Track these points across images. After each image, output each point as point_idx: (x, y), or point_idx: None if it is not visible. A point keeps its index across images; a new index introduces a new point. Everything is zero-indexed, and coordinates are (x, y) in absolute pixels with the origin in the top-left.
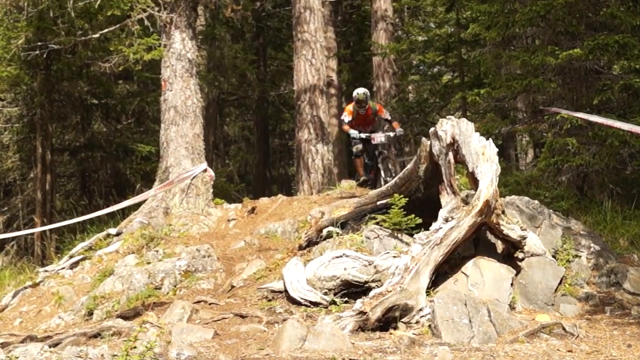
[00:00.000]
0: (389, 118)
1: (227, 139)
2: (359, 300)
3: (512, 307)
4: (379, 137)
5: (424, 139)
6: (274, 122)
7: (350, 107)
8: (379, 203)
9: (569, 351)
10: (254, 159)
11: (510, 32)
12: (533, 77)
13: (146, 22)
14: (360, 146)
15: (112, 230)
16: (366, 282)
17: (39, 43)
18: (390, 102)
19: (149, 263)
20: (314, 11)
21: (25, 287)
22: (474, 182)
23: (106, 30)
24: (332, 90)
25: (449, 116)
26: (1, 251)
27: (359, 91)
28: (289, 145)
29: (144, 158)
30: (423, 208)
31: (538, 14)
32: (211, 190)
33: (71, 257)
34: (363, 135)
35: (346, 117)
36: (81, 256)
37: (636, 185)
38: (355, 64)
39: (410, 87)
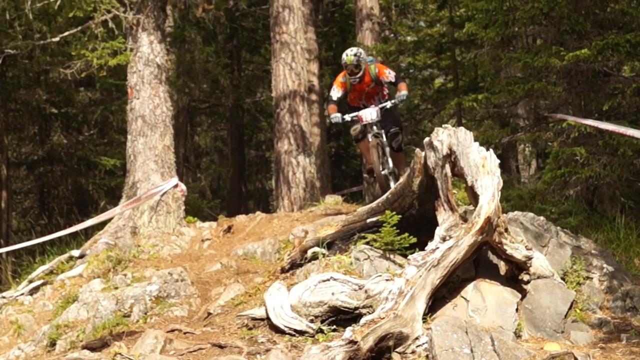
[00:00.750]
0: (394, 80)
1: (198, 151)
2: (348, 329)
3: (517, 335)
4: (368, 114)
5: (417, 150)
6: (250, 132)
7: (340, 78)
8: (368, 221)
9: None
10: (227, 172)
11: (510, 32)
12: (536, 80)
13: (110, 24)
14: (358, 126)
15: (75, 252)
16: (356, 308)
17: None
18: None
19: (116, 288)
20: (294, 10)
21: None
22: (473, 197)
23: (67, 33)
24: (314, 97)
25: (445, 124)
26: None
27: (349, 53)
28: (267, 157)
29: (108, 172)
30: (418, 226)
31: (541, 11)
32: (183, 207)
33: (30, 281)
34: (347, 117)
35: (335, 92)
36: (41, 281)
37: None
38: (338, 68)
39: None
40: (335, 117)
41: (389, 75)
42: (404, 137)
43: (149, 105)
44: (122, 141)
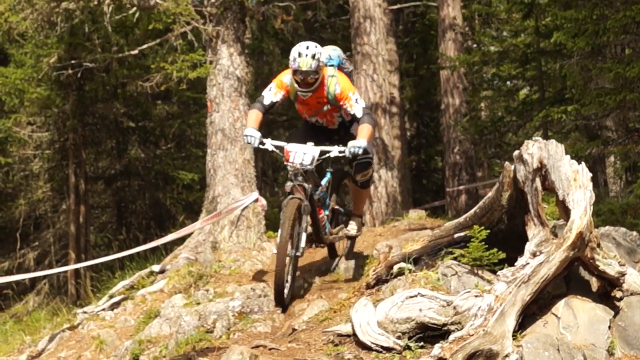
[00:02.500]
0: (357, 113)
1: (275, 164)
2: (437, 345)
3: (610, 353)
4: (299, 155)
5: (507, 163)
6: None
7: (284, 78)
8: (456, 236)
9: None
10: None
11: (600, 41)
12: (628, 91)
13: (190, 36)
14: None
15: (156, 267)
16: (444, 325)
17: (72, 61)
18: (461, 122)
19: (198, 304)
20: (375, 21)
21: (63, 330)
22: (564, 212)
23: (145, 45)
24: (394, 109)
25: (536, 137)
26: (32, 290)
27: (304, 52)
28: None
29: (186, 187)
30: (506, 241)
31: (633, 20)
32: (263, 222)
33: (111, 296)
34: (269, 146)
35: (269, 94)
36: (122, 296)
37: None
38: (419, 79)
39: (482, 105)
40: (252, 136)
41: (354, 105)
42: (373, 169)
43: (229, 118)
44: (199, 155)
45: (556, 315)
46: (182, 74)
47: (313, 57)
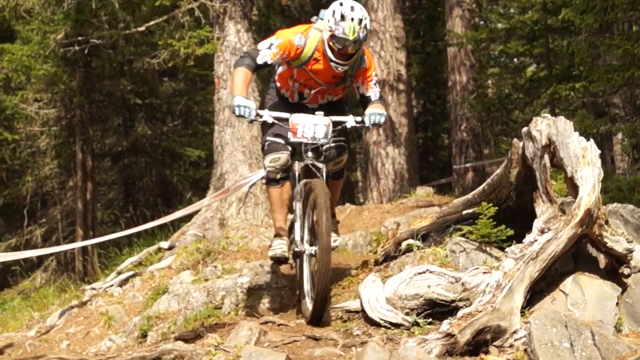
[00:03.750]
0: (373, 96)
1: None
2: (445, 322)
3: (618, 329)
4: (310, 127)
5: (515, 140)
6: None
7: (295, 39)
8: (464, 212)
9: None
10: None
11: (609, 18)
12: (636, 68)
13: (197, 13)
14: (283, 155)
15: (164, 244)
16: (453, 301)
17: (79, 38)
18: (468, 99)
19: (206, 280)
20: None
21: (72, 307)
22: (573, 189)
23: (152, 22)
24: (401, 86)
25: (545, 114)
26: (40, 267)
27: (345, 11)
28: (354, 149)
29: (193, 164)
30: (514, 218)
31: None
32: None
33: (119, 273)
34: (268, 117)
35: (267, 52)
36: (130, 272)
37: None
38: (426, 56)
39: (489, 82)
40: (245, 107)
41: (373, 87)
42: (349, 156)
43: None
44: (206, 132)
45: (564, 292)
46: (189, 51)
47: (360, 22)
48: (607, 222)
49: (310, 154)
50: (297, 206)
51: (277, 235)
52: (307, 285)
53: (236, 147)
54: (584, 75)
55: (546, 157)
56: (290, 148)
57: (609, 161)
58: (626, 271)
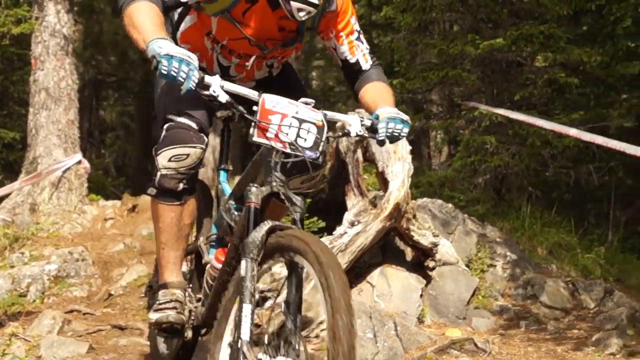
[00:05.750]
0: (362, 61)
1: (103, 126)
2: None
3: (420, 320)
4: (293, 128)
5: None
6: None
7: None
8: None
9: None
10: (133, 149)
11: (427, 17)
12: (451, 67)
13: None
14: (193, 151)
15: None
16: (262, 292)
17: None
18: None
19: (12, 267)
20: None
21: None
22: (383, 183)
23: None
24: None
25: (358, 109)
26: None
27: None
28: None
29: (7, 145)
30: (327, 210)
31: None
32: (86, 184)
33: None
34: (223, 93)
35: None
36: None
37: (557, 188)
38: None
39: (314, 73)
40: (182, 57)
41: (357, 45)
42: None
43: (54, 77)
44: (22, 113)
45: (371, 284)
46: (4, 29)
47: None
48: (414, 217)
49: (279, 173)
50: (248, 272)
51: (165, 286)
52: None
53: (51, 130)
54: (402, 72)
55: (359, 152)
56: (206, 139)
57: (425, 157)
58: (431, 264)
